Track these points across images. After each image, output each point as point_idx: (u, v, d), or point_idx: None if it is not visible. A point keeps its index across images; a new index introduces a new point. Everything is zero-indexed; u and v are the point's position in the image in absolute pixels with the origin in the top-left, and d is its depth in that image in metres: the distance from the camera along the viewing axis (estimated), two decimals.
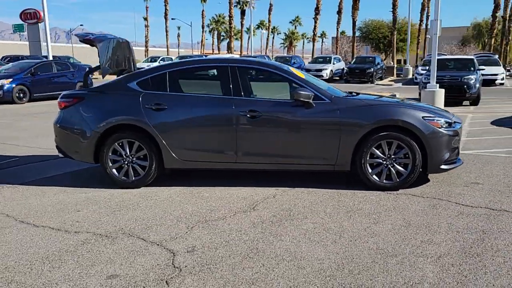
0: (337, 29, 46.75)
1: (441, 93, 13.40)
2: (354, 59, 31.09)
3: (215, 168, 5.44)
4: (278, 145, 5.19)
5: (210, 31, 61.26)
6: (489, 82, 22.90)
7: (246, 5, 51.52)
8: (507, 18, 43.57)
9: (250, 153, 5.21)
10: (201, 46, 64.64)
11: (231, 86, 5.26)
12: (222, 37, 63.75)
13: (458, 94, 14.87)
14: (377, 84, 27.26)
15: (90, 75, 6.98)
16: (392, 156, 5.09)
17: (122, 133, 5.27)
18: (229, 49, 61.98)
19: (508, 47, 48.68)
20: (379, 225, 4.09)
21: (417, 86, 18.01)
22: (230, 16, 40.40)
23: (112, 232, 4.00)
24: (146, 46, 56.77)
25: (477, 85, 15.21)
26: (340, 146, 5.08)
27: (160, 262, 3.37)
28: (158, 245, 3.70)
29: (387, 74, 32.57)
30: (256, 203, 4.77)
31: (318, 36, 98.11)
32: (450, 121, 5.24)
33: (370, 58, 30.07)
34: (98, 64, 5.78)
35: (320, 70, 28.67)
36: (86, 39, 5.59)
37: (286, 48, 76.00)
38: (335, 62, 30.41)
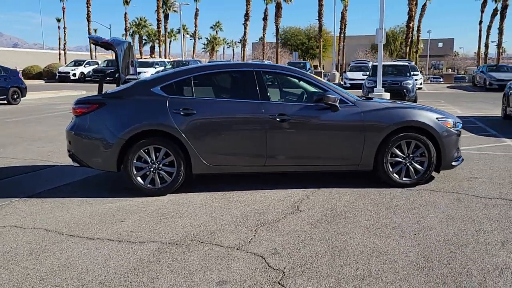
0: (264, 35, 47.90)
1: (387, 96, 14.38)
2: (287, 64, 32.02)
3: (242, 172, 5.46)
4: (306, 148, 5.35)
5: (131, 35, 59.40)
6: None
7: (169, 9, 50.90)
8: (416, 28, 47.24)
9: (279, 156, 5.32)
10: None
11: (258, 90, 5.33)
12: (144, 41, 62.23)
13: (399, 97, 15.99)
14: None
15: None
16: (411, 155, 5.47)
17: (148, 139, 5.12)
18: (152, 53, 60.68)
19: (418, 54, 52.66)
20: (427, 219, 4.40)
21: (347, 90, 19.07)
22: (158, 20, 39.64)
23: (179, 240, 3.91)
24: (64, 49, 53.70)
25: (414, 89, 16.51)
26: (364, 147, 5.37)
27: (257, 266, 3.38)
28: (238, 249, 3.69)
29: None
30: (296, 204, 4.88)
31: (238, 42, 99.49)
32: (455, 121, 5.75)
33: (301, 64, 31.19)
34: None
35: None
36: (103, 42, 5.35)
37: (208, 53, 75.99)
38: None
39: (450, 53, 75.90)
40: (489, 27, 42.99)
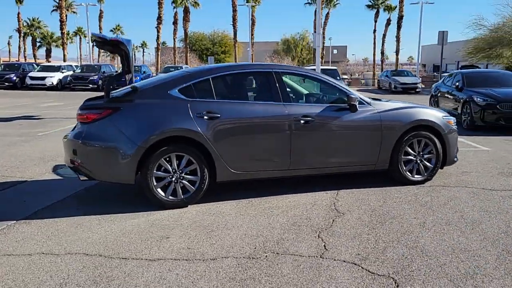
0: (174, 39, 46.93)
1: None
2: None
3: (266, 178, 5.21)
4: (328, 150, 5.28)
5: (22, 37, 54.57)
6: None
7: (68, 10, 47.68)
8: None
9: (303, 159, 5.18)
10: (18, 53, 57.22)
11: (279, 91, 5.14)
12: (39, 44, 57.43)
13: None
14: None
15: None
16: (421, 153, 5.66)
17: (170, 147, 4.68)
18: (49, 56, 56.34)
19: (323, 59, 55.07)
20: (467, 213, 4.55)
21: None
22: (62, 21, 36.67)
23: (252, 253, 3.60)
24: None
25: None
26: (381, 146, 5.44)
27: (360, 274, 3.22)
28: (322, 258, 3.49)
29: None
30: (332, 207, 4.78)
31: (140, 46, 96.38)
32: (454, 119, 6.07)
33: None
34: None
35: None
36: (113, 40, 4.77)
37: (110, 57, 72.45)
38: None
39: (344, 59, 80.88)
40: (384, 35, 46.66)
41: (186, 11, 47.08)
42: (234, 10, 44.39)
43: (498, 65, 33.10)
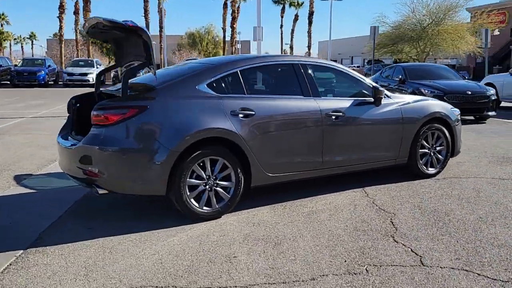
0: (76, 30, 43.31)
1: None
2: None
3: (299, 179, 4.78)
4: (357, 146, 5.01)
5: None
6: None
7: None
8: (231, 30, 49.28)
9: (334, 157, 4.85)
10: None
11: (308, 85, 4.75)
12: None
13: None
14: None
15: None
16: (434, 146, 5.63)
17: (206, 150, 4.07)
18: None
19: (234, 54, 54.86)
20: (508, 204, 4.57)
21: None
22: None
23: (348, 267, 3.18)
24: None
25: None
26: (403, 140, 5.30)
27: (489, 283, 2.99)
28: (431, 267, 3.21)
29: None
30: (375, 206, 4.52)
31: (28, 38, 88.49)
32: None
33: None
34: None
35: (85, 75, 26.43)
36: (132, 26, 3.98)
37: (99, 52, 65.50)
38: (98, 66, 28.39)
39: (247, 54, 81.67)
40: (292, 30, 47.84)
41: (87, 1, 43.86)
42: (146, 1, 42.32)
43: (398, 60, 35.55)
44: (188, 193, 4.03)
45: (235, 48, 49.38)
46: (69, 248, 3.55)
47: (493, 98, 11.15)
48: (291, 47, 48.47)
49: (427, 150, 5.56)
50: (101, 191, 3.90)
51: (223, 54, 51.82)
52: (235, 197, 4.26)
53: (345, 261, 3.28)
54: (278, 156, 4.46)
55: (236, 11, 41.40)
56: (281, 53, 53.00)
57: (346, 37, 64.83)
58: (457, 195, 4.88)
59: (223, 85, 4.32)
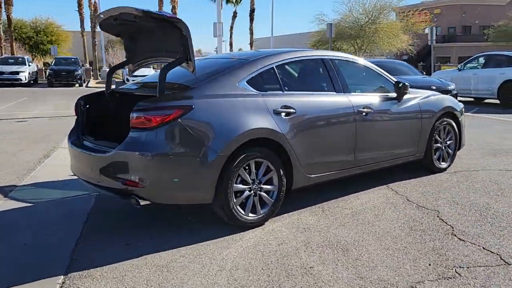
0: None
1: None
2: (54, 60, 27.81)
3: (333, 179, 4.57)
4: (384, 142, 4.90)
5: None
6: None
7: None
8: None
9: (364, 155, 4.71)
10: None
11: (339, 81, 4.57)
12: None
13: None
14: (88, 87, 25.60)
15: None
16: (445, 140, 5.67)
17: (251, 152, 3.75)
18: None
19: None
20: None
21: None
22: None
23: (438, 272, 3.03)
24: None
25: None
26: (421, 135, 5.28)
27: None
28: None
29: (86, 77, 30.76)
30: (413, 204, 4.43)
31: None
32: None
33: (73, 59, 27.77)
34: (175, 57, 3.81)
35: (17, 73, 24.49)
36: (170, 17, 3.56)
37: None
38: (29, 64, 26.42)
39: None
40: (231, 27, 47.42)
41: None
42: None
43: None
44: (235, 200, 3.69)
45: None
46: (119, 270, 3.10)
47: (454, 92, 11.62)
48: (231, 44, 48.06)
49: (439, 145, 5.58)
50: (142, 202, 3.46)
51: None
52: (278, 201, 3.98)
53: (430, 264, 3.13)
54: (316, 156, 4.23)
55: (175, 7, 40.26)
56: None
57: (289, 33, 65.81)
58: (481, 188, 4.92)
59: (261, 81, 4.02)
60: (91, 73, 32.84)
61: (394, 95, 4.99)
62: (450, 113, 5.62)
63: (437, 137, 5.51)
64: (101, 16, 3.95)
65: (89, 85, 26.40)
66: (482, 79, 14.10)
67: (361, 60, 5.09)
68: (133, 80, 16.14)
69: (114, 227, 3.94)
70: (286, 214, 4.17)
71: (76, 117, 4.37)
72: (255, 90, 3.90)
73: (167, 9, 44.73)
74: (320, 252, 3.34)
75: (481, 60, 14.93)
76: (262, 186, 3.88)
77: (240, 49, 50.53)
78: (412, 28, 34.46)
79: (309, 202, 4.48)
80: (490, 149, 6.99)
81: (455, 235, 3.62)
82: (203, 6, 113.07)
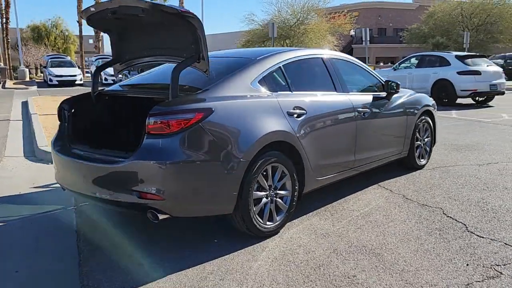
0: None
1: None
2: None
3: (335, 181, 4.46)
4: (378, 142, 4.90)
5: None
6: (70, 81, 24.32)
7: None
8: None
9: (362, 155, 4.66)
10: None
11: (338, 80, 4.49)
12: None
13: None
14: (5, 88, 23.57)
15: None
16: (424, 137, 5.81)
17: (269, 156, 3.54)
18: None
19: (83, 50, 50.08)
20: None
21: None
22: None
23: (481, 272, 3.03)
24: None
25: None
26: (406, 133, 5.36)
27: None
28: None
29: (2, 77, 28.23)
30: (414, 202, 4.46)
31: None
32: None
33: None
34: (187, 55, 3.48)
35: None
36: (185, 12, 3.22)
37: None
38: None
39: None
40: None
41: None
42: None
43: None
44: (254, 208, 3.46)
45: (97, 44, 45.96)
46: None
47: None
48: None
49: (419, 142, 5.70)
50: (162, 216, 3.11)
51: (81, 50, 47.65)
52: (292, 207, 3.80)
53: (467, 264, 3.11)
54: (323, 158, 4.10)
55: (182, 1, 38.32)
56: None
57: (218, 32, 65.15)
58: (466, 183, 5.06)
59: (271, 81, 3.81)
60: (6, 73, 30.25)
61: (384, 94, 5.00)
62: (428, 111, 5.76)
63: (417, 134, 5.61)
64: (92, 9, 3.52)
65: (6, 86, 24.26)
66: (417, 78, 14.85)
67: (354, 60, 5.03)
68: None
69: (114, 244, 3.53)
70: (296, 220, 4.00)
71: (59, 123, 3.88)
72: (267, 91, 3.68)
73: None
74: (354, 259, 3.21)
75: (414, 60, 15.72)
76: (277, 192, 3.67)
77: None
78: (338, 29, 35.66)
79: (310, 205, 4.34)
80: (451, 145, 7.29)
81: (473, 233, 3.66)
82: None
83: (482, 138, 7.89)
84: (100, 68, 4.11)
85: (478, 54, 15.57)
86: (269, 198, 3.58)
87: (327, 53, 4.59)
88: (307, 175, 3.90)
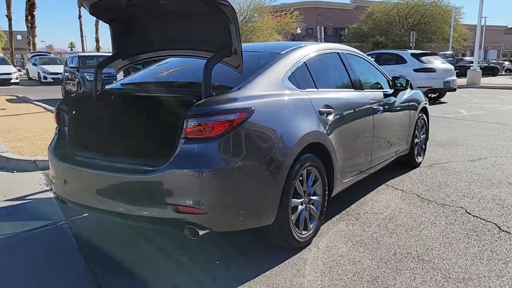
0: None
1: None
2: None
3: (354, 183, 4.21)
4: (387, 140, 4.72)
5: None
6: (5, 80, 22.93)
7: None
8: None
9: (376, 154, 4.47)
10: None
11: (354, 76, 4.27)
12: None
13: None
14: None
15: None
16: (420, 135, 5.74)
17: (305, 160, 3.23)
18: None
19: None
20: None
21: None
22: None
23: None
24: None
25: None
26: (409, 131, 5.25)
27: None
28: None
29: None
30: (429, 202, 4.33)
31: None
32: None
33: None
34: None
35: None
36: (219, 0, 2.81)
37: None
38: None
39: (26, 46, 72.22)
40: (97, 21, 44.10)
41: None
42: None
43: None
44: (292, 217, 3.14)
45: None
46: None
47: None
48: (97, 40, 44.75)
49: (417, 140, 5.61)
50: (202, 231, 2.71)
51: (11, 46, 44.35)
52: (322, 213, 3.52)
53: None
54: (348, 159, 3.85)
55: None
56: (82, 46, 48.55)
57: None
58: (471, 180, 5.02)
59: (299, 78, 3.48)
60: None
61: (391, 91, 4.84)
62: (424, 107, 5.69)
63: (416, 132, 5.52)
64: None
65: None
66: None
67: (362, 54, 4.82)
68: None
69: (130, 263, 3.07)
70: (322, 227, 3.71)
71: (57, 126, 3.35)
72: (297, 88, 3.36)
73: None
74: (407, 268, 2.98)
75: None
76: (310, 198, 3.37)
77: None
78: (286, 27, 35.87)
79: (328, 210, 4.06)
80: (433, 142, 7.31)
81: (509, 232, 3.55)
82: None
83: (457, 134, 8.02)
84: (101, 64, 3.59)
85: (431, 52, 16.07)
86: (303, 205, 3.27)
87: (340, 47, 4.34)
88: (336, 178, 3.63)
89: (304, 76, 3.53)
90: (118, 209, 2.82)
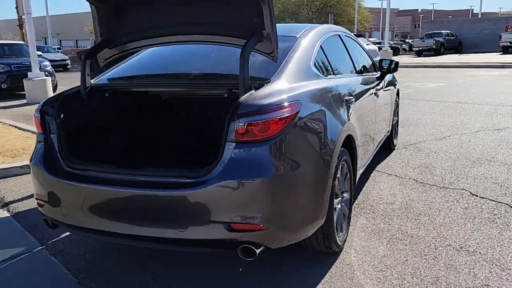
0: None
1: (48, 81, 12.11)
2: None
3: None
4: (380, 124, 4.55)
5: None
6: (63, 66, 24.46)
7: None
8: None
9: (377, 139, 4.31)
10: None
11: (354, 59, 4.03)
12: None
13: None
14: None
15: None
16: (394, 117, 5.67)
17: (342, 155, 2.91)
18: None
19: None
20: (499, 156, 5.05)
21: None
22: None
23: None
24: None
25: None
26: (391, 113, 5.16)
27: None
28: None
29: None
30: (430, 187, 4.25)
31: None
32: None
33: None
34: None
35: None
36: None
37: None
38: None
39: None
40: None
41: None
42: None
43: None
44: (335, 219, 2.83)
45: None
46: None
47: None
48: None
49: (393, 122, 5.55)
50: (258, 250, 2.29)
51: None
52: (351, 211, 3.25)
53: None
54: (362, 148, 3.61)
55: None
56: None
57: (65, 13, 58.22)
58: (454, 159, 5.07)
59: (320, 63, 3.13)
60: None
61: (378, 74, 4.67)
62: (398, 90, 5.63)
63: (392, 114, 5.44)
64: None
65: None
66: None
67: (352, 35, 4.55)
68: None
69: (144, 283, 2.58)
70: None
71: (40, 134, 2.69)
72: (322, 75, 3.02)
73: None
74: (459, 264, 2.81)
75: None
76: (343, 195, 3.08)
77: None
78: None
79: None
80: (401, 122, 7.35)
81: None
82: None
83: (409, 113, 8.18)
84: (88, 55, 2.92)
85: (357, 33, 16.43)
86: (339, 205, 2.97)
87: (339, 29, 4.04)
88: (357, 170, 3.37)
89: (323, 62, 3.19)
90: (142, 232, 2.30)
